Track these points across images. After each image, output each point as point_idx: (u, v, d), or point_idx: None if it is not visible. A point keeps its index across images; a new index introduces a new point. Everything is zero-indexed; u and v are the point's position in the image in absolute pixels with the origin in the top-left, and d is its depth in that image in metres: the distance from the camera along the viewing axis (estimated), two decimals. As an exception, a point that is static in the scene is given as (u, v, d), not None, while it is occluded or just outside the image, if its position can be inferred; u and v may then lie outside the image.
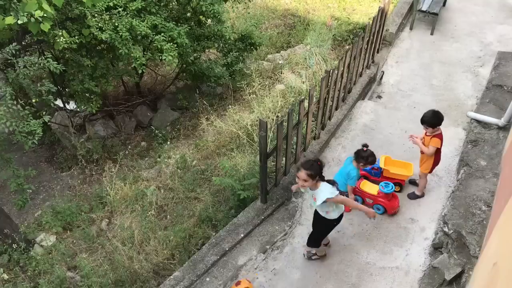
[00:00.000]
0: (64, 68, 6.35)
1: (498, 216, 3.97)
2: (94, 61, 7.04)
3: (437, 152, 5.60)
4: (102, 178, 7.71)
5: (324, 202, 4.43)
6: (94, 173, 8.08)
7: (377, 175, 6.15)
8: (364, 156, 5.38)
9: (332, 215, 4.72)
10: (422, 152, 5.67)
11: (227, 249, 5.44)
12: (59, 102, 8.42)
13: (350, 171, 5.54)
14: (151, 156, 8.23)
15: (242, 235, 5.58)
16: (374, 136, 7.06)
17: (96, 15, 6.43)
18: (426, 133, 5.56)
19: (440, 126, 5.46)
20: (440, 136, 5.48)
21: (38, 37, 6.43)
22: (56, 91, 7.04)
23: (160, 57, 7.04)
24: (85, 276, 5.54)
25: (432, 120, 5.38)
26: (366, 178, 6.18)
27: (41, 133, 5.45)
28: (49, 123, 8.14)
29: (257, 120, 7.31)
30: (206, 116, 8.32)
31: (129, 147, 8.68)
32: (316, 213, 4.87)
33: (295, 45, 10.25)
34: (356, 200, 5.88)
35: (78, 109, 8.37)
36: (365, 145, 5.45)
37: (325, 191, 4.44)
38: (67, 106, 8.63)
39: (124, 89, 9.75)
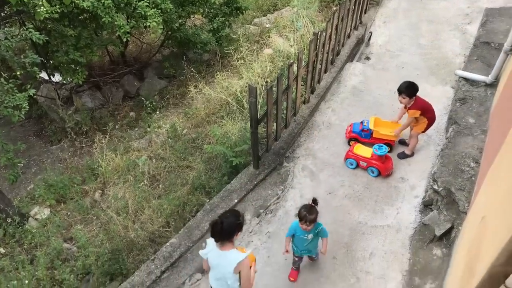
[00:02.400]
0: (47, 39, 6.20)
1: (486, 172, 4.05)
2: (77, 31, 6.88)
3: (429, 112, 5.66)
4: (92, 150, 7.67)
5: None
6: (84, 145, 8.03)
7: (367, 137, 6.19)
8: (300, 212, 4.31)
9: None
10: (416, 122, 5.79)
11: (221, 215, 5.50)
12: (44, 75, 8.27)
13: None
14: (141, 126, 8.19)
15: (236, 201, 5.64)
16: (363, 98, 7.08)
17: (77, -18, 6.25)
18: (405, 106, 5.73)
19: (418, 93, 5.64)
20: (416, 106, 5.62)
21: (18, 8, 6.25)
22: (40, 63, 6.90)
23: (145, 24, 6.90)
24: (81, 246, 5.59)
25: (408, 90, 5.56)
26: (356, 140, 6.23)
27: (27, 106, 5.37)
28: (36, 96, 8.02)
29: (246, 86, 7.27)
30: (194, 83, 8.25)
31: (118, 117, 8.62)
32: None
33: (282, 8, 10.12)
34: (351, 164, 5.95)
35: (64, 81, 8.24)
36: (314, 201, 4.31)
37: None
38: (53, 79, 8.49)
39: (110, 59, 9.59)
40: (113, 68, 9.32)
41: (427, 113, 5.67)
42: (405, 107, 5.75)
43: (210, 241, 3.69)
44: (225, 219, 3.56)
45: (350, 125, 6.40)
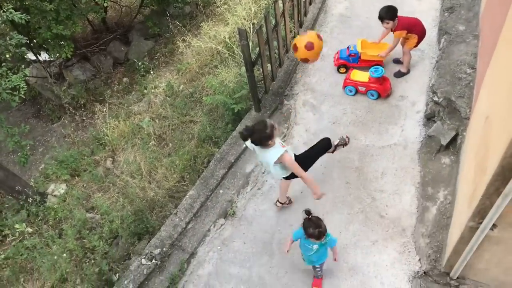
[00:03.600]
0: (28, 17, 6.11)
1: (484, 75, 4.14)
2: (55, 4, 6.76)
3: (416, 27, 5.67)
4: (94, 121, 7.74)
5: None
6: (84, 118, 8.09)
7: (355, 61, 6.25)
8: (309, 233, 3.89)
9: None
10: (406, 38, 5.78)
11: (232, 161, 5.65)
12: (30, 55, 8.19)
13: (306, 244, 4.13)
14: (137, 90, 8.19)
15: (244, 145, 5.76)
16: (352, 24, 7.05)
17: (44, -47, 6.08)
18: (392, 30, 5.75)
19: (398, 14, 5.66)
20: (400, 27, 5.65)
21: (-8, -10, 6.15)
22: (25, 43, 6.83)
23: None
24: (104, 213, 5.77)
25: (389, 14, 5.62)
26: (345, 66, 6.29)
27: (25, 86, 5.38)
28: (27, 78, 7.98)
29: (234, 32, 7.22)
30: (182, 38, 8.17)
31: (113, 85, 8.61)
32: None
33: None
34: (350, 91, 6.02)
35: (51, 58, 8.16)
36: (308, 212, 3.93)
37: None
38: (40, 58, 8.41)
39: (92, 28, 9.45)
40: (97, 37, 9.20)
41: (414, 29, 5.70)
42: (392, 30, 5.76)
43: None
44: (254, 133, 4.13)
45: (337, 53, 6.43)
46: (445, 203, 4.62)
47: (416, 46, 5.83)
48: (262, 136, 4.11)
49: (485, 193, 2.99)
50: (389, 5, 5.68)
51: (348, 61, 6.27)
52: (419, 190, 4.90)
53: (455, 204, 4.42)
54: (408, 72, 6.10)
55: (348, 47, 6.28)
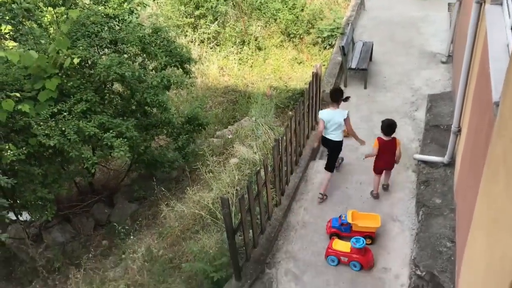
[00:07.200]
0: (15, 182, 6.21)
1: (463, 250, 4.15)
2: (44, 168, 6.95)
3: (385, 154, 6.53)
4: (67, 286, 7.36)
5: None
6: (57, 282, 7.70)
7: (347, 231, 6.25)
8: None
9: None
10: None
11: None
12: (11, 215, 8.12)
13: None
14: (115, 254, 7.98)
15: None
16: (332, 193, 7.24)
17: (41, 123, 6.44)
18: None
19: (391, 136, 6.56)
20: (380, 140, 6.60)
21: (-19, 158, 6.34)
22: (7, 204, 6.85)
23: (111, 153, 7.06)
24: None
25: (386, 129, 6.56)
26: (337, 235, 6.27)
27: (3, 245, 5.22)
28: (4, 239, 7.80)
29: (217, 198, 7.36)
30: (166, 202, 8.27)
31: (91, 248, 8.40)
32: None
33: (241, 119, 10.60)
34: (332, 261, 5.94)
35: (32, 219, 8.09)
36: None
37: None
38: (20, 218, 8.33)
39: (77, 189, 9.58)
40: (82, 199, 9.27)
41: (383, 154, 6.49)
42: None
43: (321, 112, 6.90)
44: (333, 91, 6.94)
45: (330, 221, 6.48)
46: None
47: (374, 171, 6.79)
48: (338, 96, 6.87)
49: None
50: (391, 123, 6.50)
51: (341, 230, 6.29)
52: None
53: None
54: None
55: (340, 216, 6.36)
